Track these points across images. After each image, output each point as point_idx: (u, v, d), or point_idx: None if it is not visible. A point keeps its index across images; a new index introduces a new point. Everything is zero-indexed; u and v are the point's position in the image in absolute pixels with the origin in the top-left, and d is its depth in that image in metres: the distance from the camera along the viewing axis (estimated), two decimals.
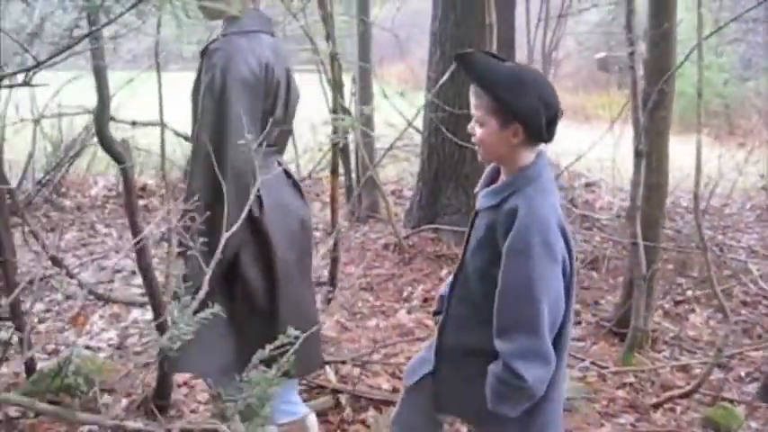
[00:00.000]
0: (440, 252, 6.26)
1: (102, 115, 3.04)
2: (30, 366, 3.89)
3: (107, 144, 3.10)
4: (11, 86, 1.76)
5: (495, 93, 2.15)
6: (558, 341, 2.22)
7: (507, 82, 2.15)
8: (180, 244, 2.58)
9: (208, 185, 2.55)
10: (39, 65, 1.66)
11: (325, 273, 5.32)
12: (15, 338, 3.96)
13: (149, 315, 4.74)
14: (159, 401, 3.55)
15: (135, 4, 1.66)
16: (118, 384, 3.81)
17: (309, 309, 2.91)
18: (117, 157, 3.14)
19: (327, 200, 7.66)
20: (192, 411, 3.79)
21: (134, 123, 6.25)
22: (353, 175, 7.38)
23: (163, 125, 5.27)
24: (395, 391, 3.95)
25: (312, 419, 3.04)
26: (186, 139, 7.37)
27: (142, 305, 4.84)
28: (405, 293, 5.53)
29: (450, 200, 6.65)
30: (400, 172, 9.82)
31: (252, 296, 2.69)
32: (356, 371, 4.07)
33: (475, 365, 2.30)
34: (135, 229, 3.19)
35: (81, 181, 7.96)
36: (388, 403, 3.80)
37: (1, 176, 3.87)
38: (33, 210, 7.02)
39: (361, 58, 7.57)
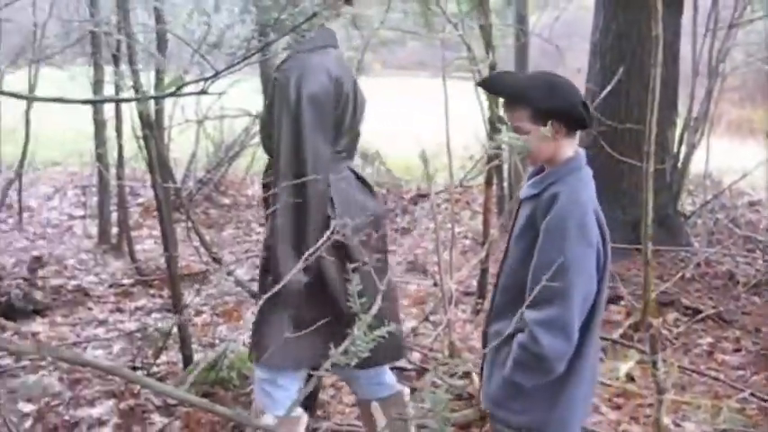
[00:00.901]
0: None
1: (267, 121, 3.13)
2: (187, 357, 4.08)
3: (270, 148, 3.19)
4: (190, 94, 1.84)
5: (526, 100, 2.30)
6: (587, 326, 2.31)
7: (533, 87, 2.32)
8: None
9: (292, 195, 2.69)
10: (217, 74, 1.72)
11: (474, 283, 5.30)
12: (175, 329, 4.17)
13: None
14: (307, 402, 3.63)
15: (308, 20, 1.70)
16: None
17: (388, 304, 2.90)
18: None
19: (477, 208, 7.64)
20: (339, 413, 3.85)
21: None
22: (505, 185, 7.31)
23: None
24: None
25: (304, 420, 3.10)
26: None
27: None
28: None
29: (607, 215, 6.46)
30: None
31: (334, 300, 2.79)
32: None
33: (508, 353, 2.34)
34: None
35: (239, 180, 8.26)
36: None
37: (168, 174, 4.07)
38: (194, 207, 7.35)
39: (517, 69, 7.49)
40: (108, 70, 6.01)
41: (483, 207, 4.83)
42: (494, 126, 4.72)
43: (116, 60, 5.69)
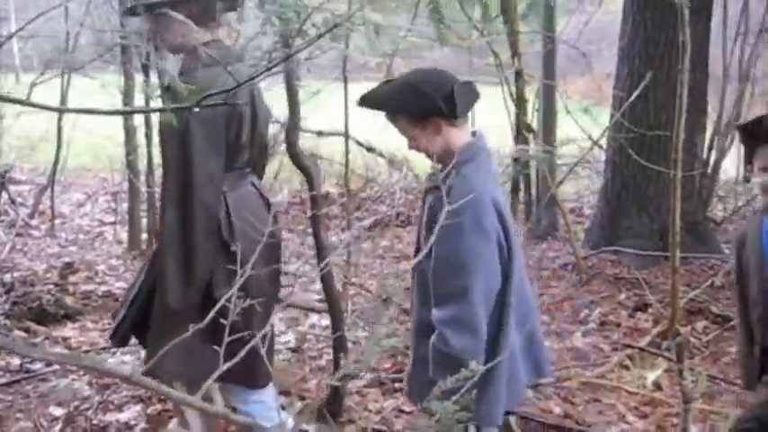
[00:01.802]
0: (619, 275, 6.06)
1: (293, 131, 3.16)
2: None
3: (297, 158, 3.22)
4: (214, 105, 1.86)
5: (398, 109, 2.40)
6: (499, 320, 2.35)
7: (397, 94, 2.39)
8: None
9: (179, 218, 2.66)
10: (239, 85, 1.75)
11: None
12: None
13: (326, 321, 4.90)
14: (332, 407, 3.64)
15: (330, 30, 1.72)
16: (293, 387, 3.95)
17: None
18: (305, 171, 3.26)
19: None
20: (363, 418, 3.87)
21: (320, 133, 6.49)
22: (533, 191, 7.29)
23: (347, 136, 5.44)
24: (566, 416, 3.86)
25: (290, 423, 3.15)
26: (369, 149, 7.57)
27: (320, 311, 4.98)
28: (581, 315, 5.39)
29: (633, 222, 6.43)
30: (581, 189, 9.60)
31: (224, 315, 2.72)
32: (528, 393, 4.02)
33: (426, 344, 2.37)
34: (318, 239, 3.30)
35: (268, 187, 8.31)
36: (559, 428, 3.73)
37: None
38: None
39: (545, 75, 7.47)
40: (138, 79, 6.09)
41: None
42: (520, 133, 4.72)
43: (145, 70, 5.77)
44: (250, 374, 2.81)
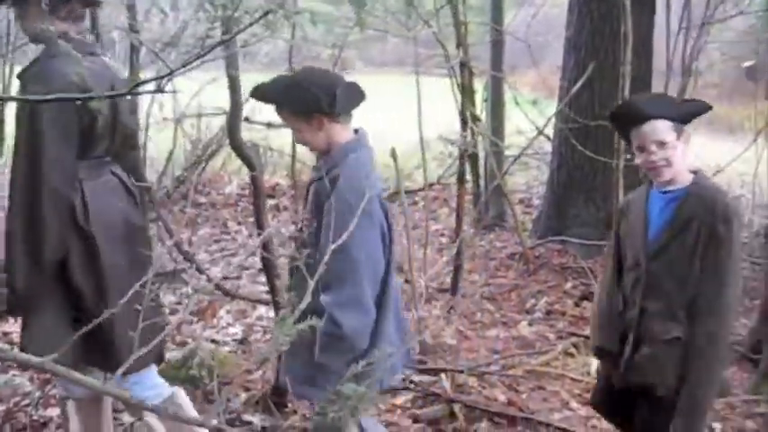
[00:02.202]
0: (566, 264, 6.13)
1: (234, 120, 3.14)
2: (159, 356, 4.06)
3: (238, 148, 3.20)
4: (146, 93, 1.83)
5: (283, 104, 2.53)
6: (380, 305, 2.49)
7: (284, 90, 2.53)
8: None
9: (27, 201, 2.69)
10: (172, 72, 1.72)
11: (448, 280, 5.32)
12: None
13: (273, 313, 4.88)
14: (277, 398, 3.63)
15: (262, 16, 1.71)
16: (238, 378, 3.93)
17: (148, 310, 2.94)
18: (247, 161, 3.24)
19: (454, 206, 7.66)
20: (304, 409, 3.85)
21: (269, 125, 6.44)
22: (481, 182, 7.32)
23: None
24: (510, 403, 3.90)
25: (181, 393, 3.17)
26: None
27: (267, 303, 4.96)
28: (527, 305, 5.44)
29: (580, 212, 6.50)
30: (530, 180, 9.68)
31: (80, 299, 2.80)
32: (472, 381, 4.05)
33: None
34: (262, 229, 3.28)
35: (216, 179, 8.25)
36: (503, 416, 3.76)
37: (142, 174, 4.06)
38: (171, 204, 7.32)
39: (493, 66, 7.50)
40: None
41: (456, 205, 4.84)
42: (465, 123, 4.74)
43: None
44: (111, 360, 2.80)
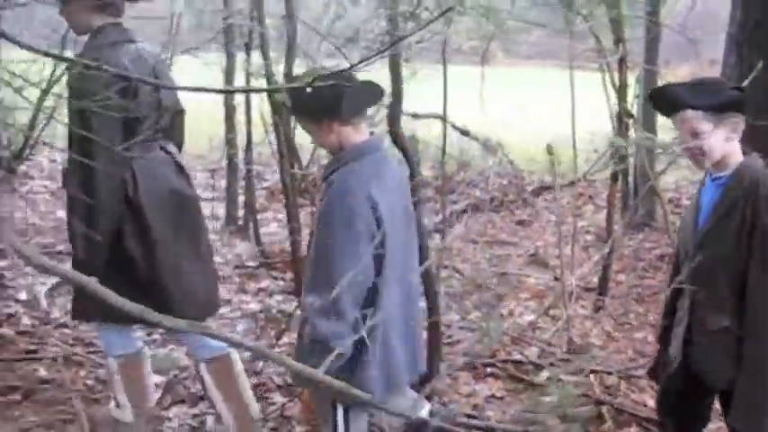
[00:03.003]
0: None
1: (394, 110, 3.18)
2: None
3: (397, 138, 3.24)
4: (325, 85, 1.89)
5: (293, 112, 2.60)
6: (371, 304, 2.46)
7: (294, 99, 2.55)
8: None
9: (82, 182, 2.99)
10: (352, 67, 1.77)
11: (595, 279, 5.22)
12: (297, 311, 4.28)
13: (422, 304, 4.92)
14: (422, 388, 3.66)
15: (443, 13, 1.72)
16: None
17: (195, 277, 3.26)
18: (405, 152, 3.28)
19: (600, 203, 7.49)
20: (454, 401, 3.87)
21: (415, 116, 6.48)
22: (630, 180, 7.13)
23: (445, 119, 5.42)
24: None
25: (146, 352, 3.48)
26: (464, 133, 7.52)
27: None
28: None
29: None
30: (679, 180, 9.34)
31: (132, 264, 3.09)
32: (621, 383, 3.96)
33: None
34: (418, 221, 3.31)
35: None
36: (652, 421, 3.66)
37: (296, 160, 4.19)
38: (316, 192, 7.48)
39: (647, 60, 7.27)
40: (240, 58, 6.20)
41: (607, 202, 4.73)
42: (622, 119, 4.62)
43: (248, 49, 5.87)
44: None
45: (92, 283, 1.39)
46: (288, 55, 4.76)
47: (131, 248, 3.09)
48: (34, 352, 4.38)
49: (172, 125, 3.30)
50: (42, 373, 4.16)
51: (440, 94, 5.05)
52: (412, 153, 3.23)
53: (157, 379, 4.05)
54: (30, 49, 2.12)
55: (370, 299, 2.50)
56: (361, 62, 2.07)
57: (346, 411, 2.64)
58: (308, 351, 2.49)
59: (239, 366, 3.41)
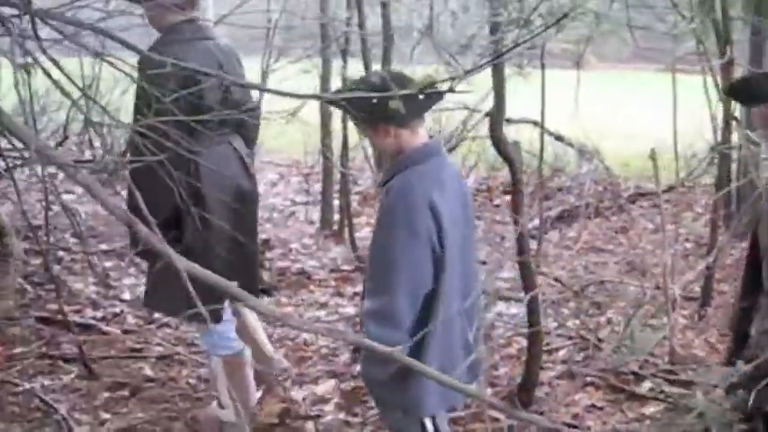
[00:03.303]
0: None
1: (498, 116, 3.17)
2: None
3: (500, 144, 3.23)
4: (437, 92, 1.89)
5: (351, 117, 2.59)
6: (428, 314, 2.43)
7: (350, 104, 2.49)
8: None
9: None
10: (467, 74, 1.77)
11: (697, 288, 5.08)
12: None
13: (514, 309, 4.89)
14: (524, 397, 3.64)
15: (560, 20, 1.71)
16: (483, 374, 3.96)
17: (248, 266, 3.46)
18: (507, 158, 3.26)
19: (699, 210, 7.29)
20: (552, 411, 3.83)
21: (508, 121, 6.44)
22: (732, 185, 6.90)
23: (543, 126, 5.38)
24: None
25: (248, 353, 3.57)
26: (558, 138, 7.42)
27: (507, 299, 4.97)
28: None
29: None
30: None
31: (190, 249, 3.09)
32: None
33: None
34: (518, 225, 3.30)
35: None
36: None
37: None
38: None
39: (751, 62, 7.03)
40: (336, 64, 6.28)
41: (711, 210, 4.60)
42: (729, 124, 4.49)
43: (344, 55, 5.93)
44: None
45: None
46: (384, 60, 4.81)
47: (189, 237, 3.22)
48: (139, 350, 4.52)
49: (242, 121, 3.34)
50: (148, 371, 4.30)
51: (530, 97, 5.02)
52: (515, 159, 3.21)
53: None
54: (134, 49, 2.20)
55: (428, 306, 2.46)
56: (473, 70, 2.07)
57: (433, 419, 2.64)
58: (365, 357, 2.56)
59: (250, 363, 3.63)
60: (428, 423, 2.62)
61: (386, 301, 2.44)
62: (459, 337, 2.57)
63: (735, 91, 2.55)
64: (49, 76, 1.98)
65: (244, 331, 3.66)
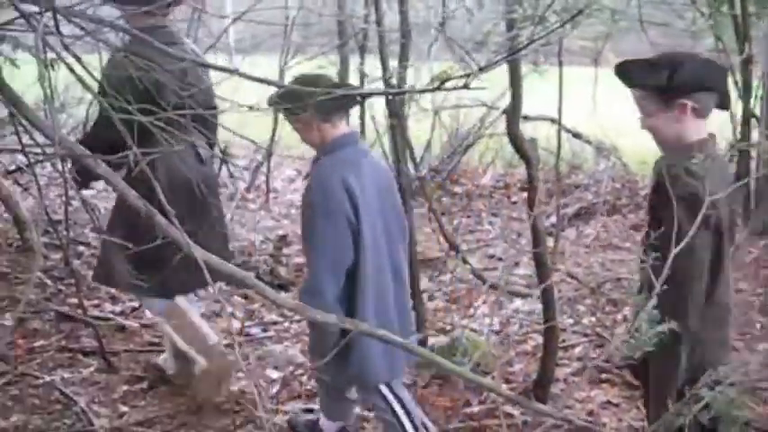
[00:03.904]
0: None
1: (514, 113, 3.18)
2: (421, 341, 4.21)
3: (516, 140, 3.24)
4: (453, 89, 1.91)
5: (279, 105, 2.73)
6: (354, 285, 2.80)
7: (283, 94, 2.71)
8: None
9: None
10: (481, 70, 1.78)
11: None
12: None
13: (529, 306, 4.89)
14: (540, 392, 3.65)
15: (573, 17, 1.71)
16: (499, 370, 3.97)
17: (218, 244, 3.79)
18: (524, 154, 3.27)
19: None
20: (568, 407, 3.83)
21: (525, 118, 6.43)
22: (752, 183, 6.86)
23: (560, 123, 5.37)
24: None
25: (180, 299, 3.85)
26: (576, 135, 7.41)
27: (525, 296, 4.97)
28: None
29: None
30: None
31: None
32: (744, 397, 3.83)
33: None
34: (536, 225, 3.30)
35: (471, 171, 8.35)
36: None
37: (412, 162, 4.22)
38: (429, 192, 7.50)
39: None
40: (353, 61, 6.29)
41: None
42: (748, 122, 4.47)
43: (362, 51, 5.95)
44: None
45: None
46: (401, 57, 4.81)
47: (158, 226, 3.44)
48: (158, 344, 4.56)
49: (203, 120, 3.70)
50: None
51: (548, 94, 5.01)
52: (532, 156, 3.21)
53: (274, 374, 4.17)
54: (150, 45, 2.23)
55: (353, 279, 2.80)
56: (487, 66, 2.08)
57: (389, 386, 3.01)
58: (310, 335, 3.01)
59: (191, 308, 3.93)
60: (384, 389, 2.99)
61: (311, 278, 2.82)
62: (394, 311, 2.92)
63: (616, 72, 2.55)
64: (72, 71, 2.03)
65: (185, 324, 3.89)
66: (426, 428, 3.15)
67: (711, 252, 2.37)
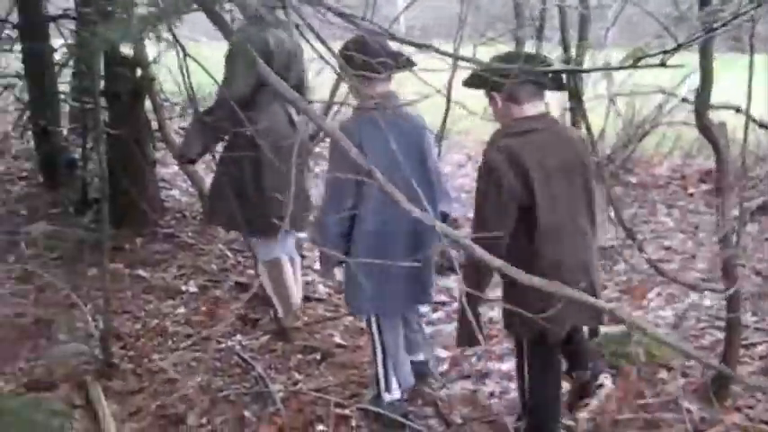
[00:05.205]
0: None
1: (703, 99, 3.06)
2: (592, 331, 4.13)
3: (706, 130, 3.12)
4: (649, 66, 1.86)
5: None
6: (354, 228, 3.42)
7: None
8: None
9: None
10: (679, 46, 1.73)
11: None
12: None
13: (707, 301, 4.69)
14: (719, 389, 3.51)
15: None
16: (676, 362, 3.84)
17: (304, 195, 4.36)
18: (715, 144, 3.15)
19: None
20: (748, 407, 3.65)
21: (710, 106, 6.14)
22: None
23: (747, 113, 5.09)
24: None
25: (285, 259, 4.41)
26: (762, 126, 6.99)
27: (702, 290, 4.78)
28: None
29: None
30: None
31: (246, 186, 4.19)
32: None
33: None
34: (723, 215, 3.17)
35: (647, 160, 8.07)
36: None
37: (593, 147, 4.13)
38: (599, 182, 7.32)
39: None
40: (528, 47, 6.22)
41: None
42: None
43: (539, 33, 5.88)
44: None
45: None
46: (580, 35, 4.72)
47: (246, 174, 4.15)
48: (331, 319, 4.72)
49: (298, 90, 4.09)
50: (337, 338, 4.48)
51: (730, 82, 4.74)
52: (722, 143, 3.08)
53: (443, 354, 4.22)
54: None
55: (353, 221, 3.40)
56: (686, 42, 2.02)
57: (378, 320, 3.56)
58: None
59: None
60: (372, 321, 3.56)
61: (319, 217, 3.57)
62: (401, 255, 3.28)
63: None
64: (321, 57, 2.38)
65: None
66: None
67: None
